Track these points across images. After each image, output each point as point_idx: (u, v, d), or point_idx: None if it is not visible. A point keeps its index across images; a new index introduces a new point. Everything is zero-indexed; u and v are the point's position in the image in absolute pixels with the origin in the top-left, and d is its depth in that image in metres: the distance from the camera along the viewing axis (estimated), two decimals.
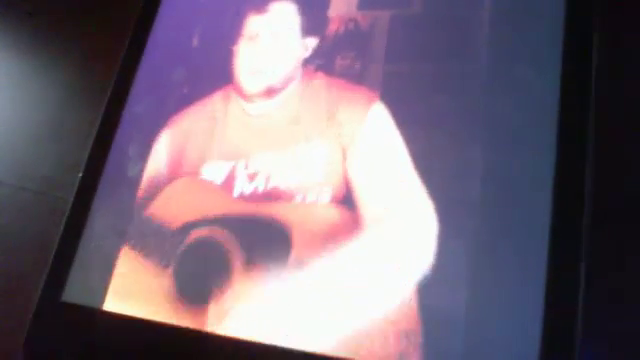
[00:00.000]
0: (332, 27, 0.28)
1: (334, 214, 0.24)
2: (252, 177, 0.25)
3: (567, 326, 0.20)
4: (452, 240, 0.23)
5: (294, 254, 0.23)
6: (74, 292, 0.28)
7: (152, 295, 0.26)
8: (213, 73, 0.30)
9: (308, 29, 0.28)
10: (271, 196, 0.24)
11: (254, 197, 0.25)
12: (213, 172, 0.26)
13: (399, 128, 0.25)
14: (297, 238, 0.24)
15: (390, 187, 0.24)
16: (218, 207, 0.26)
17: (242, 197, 0.25)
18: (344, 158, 0.25)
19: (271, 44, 0.28)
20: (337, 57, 0.28)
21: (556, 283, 0.21)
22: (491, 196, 0.23)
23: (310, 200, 0.24)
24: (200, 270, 0.26)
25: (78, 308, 0.27)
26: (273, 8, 0.28)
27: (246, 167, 0.25)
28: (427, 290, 0.23)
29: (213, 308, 0.24)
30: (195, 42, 0.31)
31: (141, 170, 0.29)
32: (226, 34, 0.30)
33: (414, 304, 0.22)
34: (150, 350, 0.25)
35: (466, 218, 0.23)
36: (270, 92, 0.27)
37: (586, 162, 0.22)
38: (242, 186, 0.25)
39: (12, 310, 0.31)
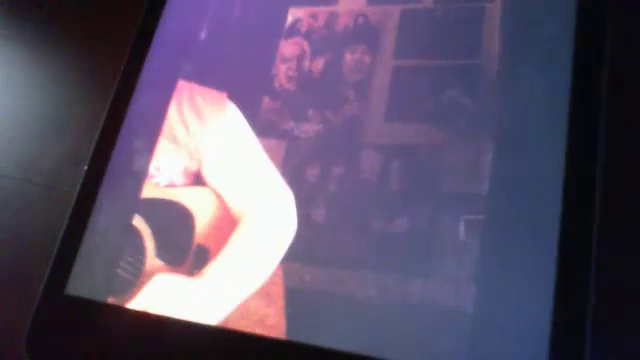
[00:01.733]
0: (341, 22, 0.28)
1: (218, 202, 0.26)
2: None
3: (577, 325, 0.20)
4: (460, 236, 0.23)
5: (196, 239, 0.26)
6: (78, 285, 0.27)
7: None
8: (220, 68, 0.30)
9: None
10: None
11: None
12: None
13: (407, 123, 0.25)
14: (198, 223, 0.26)
15: (247, 182, 0.26)
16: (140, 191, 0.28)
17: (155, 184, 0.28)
18: (201, 163, 0.27)
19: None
20: (347, 52, 0.28)
21: (566, 281, 0.20)
22: (500, 193, 0.23)
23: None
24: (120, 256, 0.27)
25: (82, 301, 0.27)
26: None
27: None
28: (433, 287, 0.22)
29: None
30: (203, 36, 0.31)
31: (147, 163, 0.29)
32: (233, 28, 0.30)
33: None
34: (155, 344, 0.25)
35: (474, 214, 0.23)
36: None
37: (597, 161, 0.21)
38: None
39: (17, 303, 0.31)
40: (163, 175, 0.27)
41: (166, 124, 0.29)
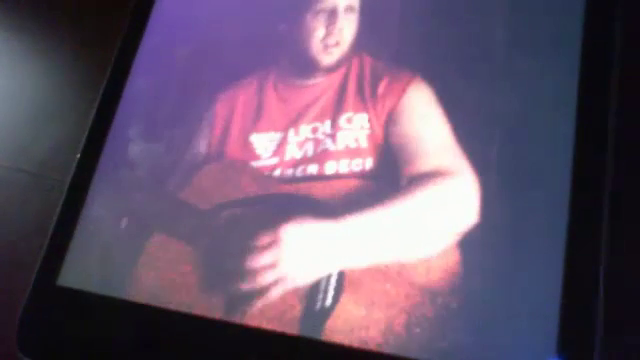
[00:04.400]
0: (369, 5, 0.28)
1: (364, 185, 0.25)
2: (301, 144, 0.26)
3: (586, 312, 0.19)
4: (466, 227, 0.22)
5: (328, 223, 0.24)
6: (70, 276, 0.27)
7: (171, 281, 0.25)
8: (228, 51, 0.29)
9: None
10: (319, 160, 0.25)
11: (302, 162, 0.26)
12: (263, 142, 0.27)
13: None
14: (327, 211, 0.24)
15: (431, 153, 0.24)
16: (249, 188, 0.26)
17: (278, 177, 0.26)
18: (385, 126, 0.25)
19: (347, 19, 0.28)
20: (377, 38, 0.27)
21: (574, 274, 0.20)
22: (509, 181, 0.22)
23: (343, 171, 0.25)
24: (226, 252, 0.25)
25: (74, 292, 0.26)
26: None
27: (296, 134, 0.26)
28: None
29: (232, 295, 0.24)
30: (203, 20, 0.31)
31: (142, 151, 0.28)
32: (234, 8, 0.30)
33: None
34: (150, 335, 0.24)
35: (480, 204, 0.22)
36: (337, 65, 0.27)
37: (607, 152, 0.21)
38: (293, 151, 0.26)
39: (7, 294, 0.30)
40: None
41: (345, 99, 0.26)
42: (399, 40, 0.27)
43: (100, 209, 0.28)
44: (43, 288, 0.27)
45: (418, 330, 0.21)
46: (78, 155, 0.29)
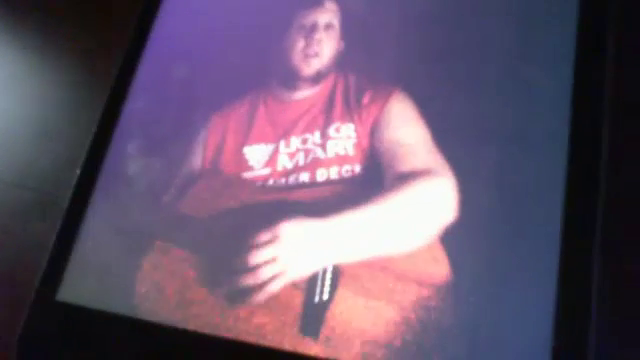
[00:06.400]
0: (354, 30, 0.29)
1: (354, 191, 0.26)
2: (292, 155, 0.27)
3: (579, 329, 0.20)
4: (464, 241, 0.23)
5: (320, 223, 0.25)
6: (70, 292, 0.27)
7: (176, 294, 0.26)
8: (221, 72, 0.30)
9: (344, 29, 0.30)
10: (310, 168, 0.27)
11: (294, 171, 0.27)
12: (256, 155, 0.28)
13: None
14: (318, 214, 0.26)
15: (413, 155, 0.26)
16: (245, 198, 0.27)
17: (271, 186, 0.27)
18: (371, 134, 0.27)
19: (326, 35, 0.30)
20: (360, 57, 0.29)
21: (568, 285, 0.20)
22: (503, 197, 0.23)
23: (334, 177, 0.27)
24: (226, 258, 0.26)
25: (74, 308, 0.26)
26: (329, 6, 0.31)
27: (287, 146, 0.28)
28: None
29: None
30: (201, 37, 0.31)
31: (142, 167, 0.29)
32: (248, 28, 0.31)
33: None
34: (148, 351, 0.25)
35: (479, 220, 0.23)
36: (317, 77, 0.29)
37: (600, 161, 0.21)
38: (284, 161, 0.27)
39: (7, 309, 0.30)
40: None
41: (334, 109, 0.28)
42: (381, 55, 0.28)
43: (99, 225, 0.28)
44: (43, 304, 0.27)
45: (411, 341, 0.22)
46: (78, 171, 0.29)
